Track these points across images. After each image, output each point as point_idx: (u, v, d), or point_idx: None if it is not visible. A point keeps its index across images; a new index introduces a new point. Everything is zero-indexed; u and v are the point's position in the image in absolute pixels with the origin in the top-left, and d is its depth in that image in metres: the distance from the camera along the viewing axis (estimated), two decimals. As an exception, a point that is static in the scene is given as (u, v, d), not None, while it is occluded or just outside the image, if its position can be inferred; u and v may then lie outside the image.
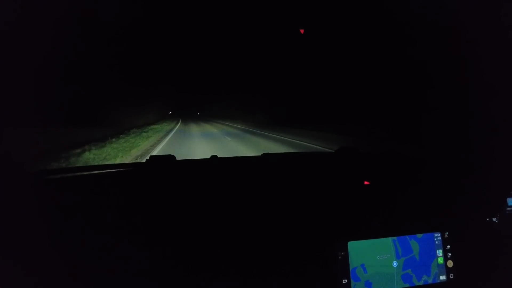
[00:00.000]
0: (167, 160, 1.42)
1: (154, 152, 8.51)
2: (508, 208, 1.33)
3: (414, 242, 1.17)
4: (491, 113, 1.56)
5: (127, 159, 7.33)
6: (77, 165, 5.10)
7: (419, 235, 1.17)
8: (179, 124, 26.62)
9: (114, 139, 9.54)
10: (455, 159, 1.52)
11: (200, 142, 10.75)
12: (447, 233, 1.20)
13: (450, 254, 1.19)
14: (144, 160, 1.46)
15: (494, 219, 1.30)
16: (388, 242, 1.15)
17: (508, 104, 1.46)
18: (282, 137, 12.01)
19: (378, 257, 1.13)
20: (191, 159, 1.52)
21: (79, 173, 1.29)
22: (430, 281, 1.16)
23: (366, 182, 1.29)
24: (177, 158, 1.45)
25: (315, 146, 9.23)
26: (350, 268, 1.10)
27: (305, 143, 9.89)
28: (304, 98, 15.02)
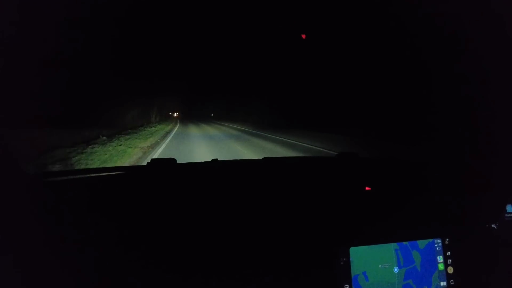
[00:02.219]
0: (168, 163, 1.42)
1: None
2: (507, 215, 1.34)
3: (416, 253, 1.17)
4: (490, 119, 1.58)
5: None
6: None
7: (421, 246, 1.18)
8: (177, 126, 22.24)
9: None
10: (456, 166, 1.53)
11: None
12: (447, 239, 1.21)
13: (450, 261, 1.20)
14: (144, 163, 1.45)
15: (494, 226, 1.31)
16: (390, 251, 1.15)
17: (507, 110, 1.47)
18: (291, 141, 11.88)
19: (380, 266, 1.13)
20: (192, 162, 1.51)
21: (78, 176, 1.28)
22: None
23: (367, 188, 1.29)
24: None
25: (316, 148, 9.24)
26: (352, 275, 1.10)
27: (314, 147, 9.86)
28: (309, 101, 15.10)
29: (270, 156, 1.67)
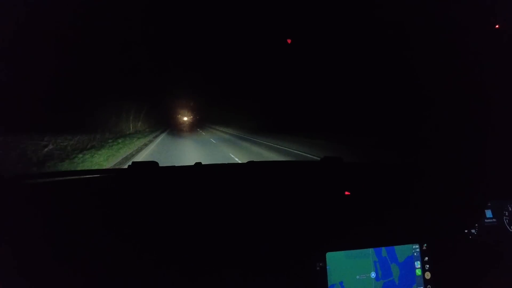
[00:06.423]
0: (150, 166, 1.40)
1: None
2: (486, 220, 1.35)
3: (395, 266, 1.17)
4: (471, 128, 1.60)
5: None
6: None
7: (401, 259, 1.18)
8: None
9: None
10: (435, 172, 1.54)
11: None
12: (425, 244, 1.21)
13: (428, 266, 1.20)
14: (126, 166, 1.44)
15: (473, 231, 1.32)
16: (368, 262, 1.15)
17: (488, 120, 1.49)
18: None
19: (357, 277, 1.13)
20: (174, 166, 1.50)
21: (57, 179, 1.27)
22: None
23: (346, 193, 1.29)
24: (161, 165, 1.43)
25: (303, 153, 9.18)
26: (329, 284, 1.09)
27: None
28: (299, 106, 15.11)
29: (256, 160, 1.67)
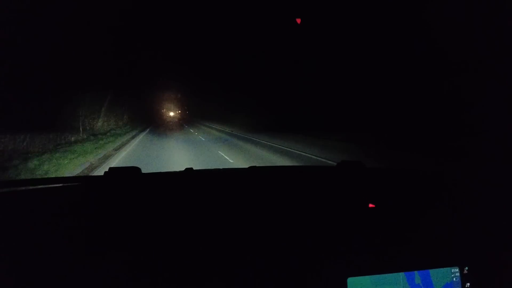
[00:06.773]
0: (130, 172, 1.24)
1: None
2: None
3: None
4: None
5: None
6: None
7: (438, 287, 0.99)
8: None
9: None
10: (478, 178, 1.35)
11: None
12: (466, 268, 1.03)
13: None
14: (102, 173, 1.29)
15: None
16: None
17: None
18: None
19: None
20: (160, 172, 1.36)
21: (17, 188, 1.13)
22: None
23: (371, 205, 1.11)
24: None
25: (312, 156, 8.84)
26: None
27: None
28: (304, 102, 14.77)
29: (258, 165, 1.52)
